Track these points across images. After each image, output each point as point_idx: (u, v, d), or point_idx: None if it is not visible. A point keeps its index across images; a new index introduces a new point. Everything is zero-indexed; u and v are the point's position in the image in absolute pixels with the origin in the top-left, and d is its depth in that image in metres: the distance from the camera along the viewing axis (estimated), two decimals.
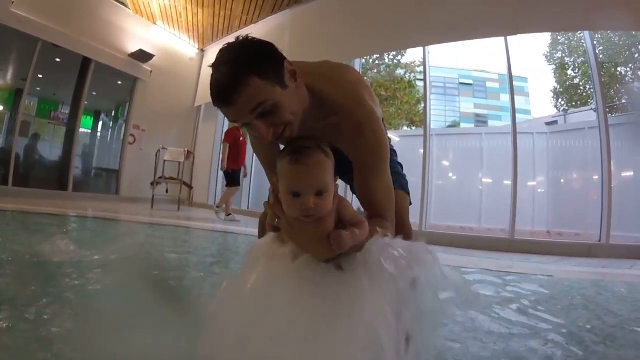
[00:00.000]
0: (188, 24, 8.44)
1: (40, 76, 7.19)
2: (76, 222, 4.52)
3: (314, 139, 0.90)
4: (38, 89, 7.64)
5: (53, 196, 6.67)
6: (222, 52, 0.90)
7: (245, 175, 6.57)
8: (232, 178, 6.25)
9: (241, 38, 0.91)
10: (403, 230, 1.11)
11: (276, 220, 0.89)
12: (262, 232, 1.00)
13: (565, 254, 4.00)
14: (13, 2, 6.04)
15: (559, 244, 4.20)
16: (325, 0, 6.72)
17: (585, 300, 2.23)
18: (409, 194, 1.32)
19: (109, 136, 9.36)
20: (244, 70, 0.85)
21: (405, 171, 1.42)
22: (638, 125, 5.92)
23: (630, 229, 4.91)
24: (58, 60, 7.44)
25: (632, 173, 5.88)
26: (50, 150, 7.86)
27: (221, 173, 6.81)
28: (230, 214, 6.17)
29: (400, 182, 1.28)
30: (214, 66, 0.89)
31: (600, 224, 4.57)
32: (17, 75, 7.06)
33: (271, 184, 1.03)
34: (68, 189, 7.25)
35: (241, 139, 6.20)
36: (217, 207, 6.23)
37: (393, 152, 1.35)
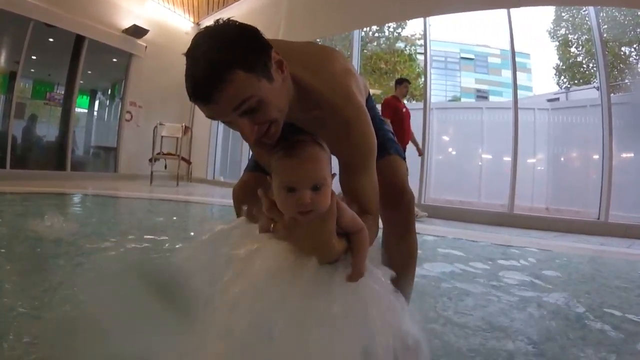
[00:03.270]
0: None
1: (33, 57, 7.08)
2: (75, 200, 4.53)
3: (308, 133, 0.83)
4: (32, 70, 7.52)
5: (52, 177, 6.66)
6: (198, 40, 0.79)
7: (420, 154, 5.24)
8: None
9: (221, 22, 0.80)
10: (405, 197, 1.07)
11: (272, 225, 0.81)
12: (239, 210, 0.92)
13: (563, 230, 4.03)
14: None
15: (558, 220, 4.22)
16: None
17: (583, 276, 2.25)
18: (404, 159, 1.23)
19: (106, 114, 9.25)
20: (226, 63, 0.74)
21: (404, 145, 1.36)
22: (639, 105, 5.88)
23: (629, 209, 4.92)
24: (51, 40, 7.29)
25: (632, 154, 5.86)
26: (47, 131, 7.80)
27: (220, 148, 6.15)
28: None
29: (395, 147, 1.21)
30: (188, 56, 0.79)
31: (599, 203, 4.58)
32: (10, 58, 6.93)
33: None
34: (66, 168, 7.24)
35: (404, 109, 4.99)
36: None
37: (383, 121, 1.26)
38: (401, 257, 0.96)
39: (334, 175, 0.81)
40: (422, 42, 6.25)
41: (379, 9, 5.96)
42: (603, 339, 1.28)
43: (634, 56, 13.28)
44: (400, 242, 1.06)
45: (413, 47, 17.68)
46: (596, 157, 5.08)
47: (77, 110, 7.79)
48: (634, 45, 13.13)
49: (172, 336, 0.83)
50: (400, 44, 17.99)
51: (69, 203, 4.31)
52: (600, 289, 1.91)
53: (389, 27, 17.05)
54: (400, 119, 4.78)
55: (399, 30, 17.53)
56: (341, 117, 0.91)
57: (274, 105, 0.82)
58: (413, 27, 16.58)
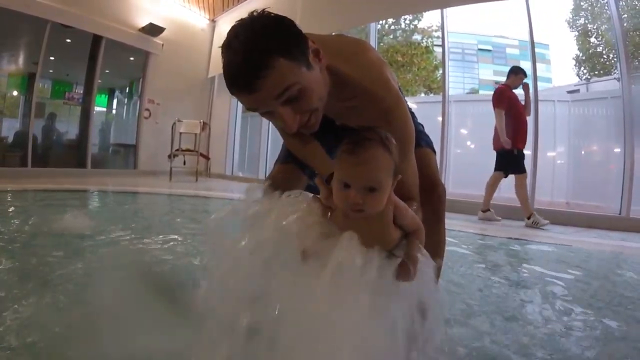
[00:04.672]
0: None
1: (52, 58, 7.20)
2: (96, 197, 4.63)
3: (378, 132, 0.79)
4: (51, 71, 7.67)
5: (72, 174, 6.80)
6: (236, 30, 0.77)
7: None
8: (517, 162, 4.36)
9: (256, 13, 0.78)
10: (437, 190, 1.08)
11: (328, 213, 0.82)
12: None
13: (584, 225, 3.94)
14: None
15: (578, 214, 4.12)
16: None
17: (603, 272, 2.21)
18: (434, 152, 1.23)
19: (124, 112, 9.41)
20: (266, 50, 0.73)
21: None
22: None
23: None
24: (68, 40, 7.42)
25: None
26: (67, 129, 7.97)
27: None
28: (533, 216, 4.11)
29: (425, 140, 1.22)
30: (226, 47, 0.77)
31: (620, 197, 4.46)
32: (28, 60, 7.07)
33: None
34: (87, 166, 7.39)
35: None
36: (483, 211, 4.48)
37: (413, 115, 1.24)
38: (432, 247, 0.97)
39: (398, 177, 0.80)
40: (438, 34, 6.17)
41: (395, 1, 5.89)
42: None
43: None
44: (431, 232, 1.06)
45: (430, 40, 17.45)
46: (617, 150, 4.94)
47: (96, 108, 7.92)
48: None
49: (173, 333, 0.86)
50: (416, 37, 17.79)
51: (90, 200, 4.41)
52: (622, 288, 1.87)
53: (405, 19, 16.88)
54: (518, 110, 4.38)
55: (415, 22, 17.33)
56: (382, 107, 0.90)
57: (316, 93, 0.83)
58: (429, 19, 16.39)
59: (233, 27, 0.78)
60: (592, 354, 1.11)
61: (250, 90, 0.75)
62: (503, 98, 4.37)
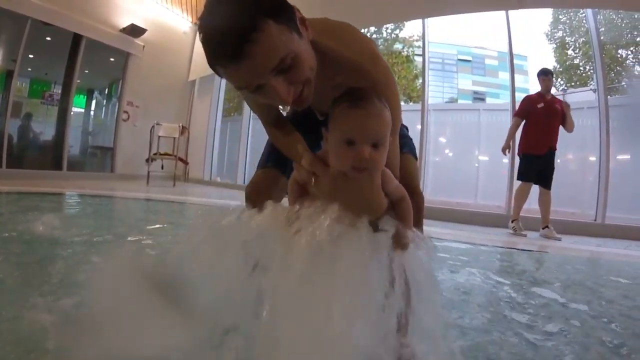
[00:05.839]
0: None
1: (31, 56, 7.02)
2: (71, 200, 4.50)
3: (370, 91, 0.76)
4: (29, 69, 7.48)
5: (48, 176, 6.62)
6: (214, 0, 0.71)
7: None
8: (520, 167, 4.39)
9: None
10: (415, 198, 1.01)
11: (312, 180, 0.77)
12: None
13: (560, 231, 4.03)
14: None
15: (555, 221, 4.21)
16: None
17: (582, 276, 2.25)
18: (416, 158, 1.18)
19: (103, 114, 9.23)
20: (256, 13, 0.67)
21: None
22: (635, 107, 5.90)
23: (625, 210, 4.96)
24: (48, 38, 7.27)
25: (629, 156, 5.89)
26: (44, 130, 7.76)
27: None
28: (515, 222, 4.22)
29: (409, 145, 1.15)
30: (207, 15, 0.71)
31: (596, 204, 4.60)
32: (6, 57, 6.89)
33: (292, 153, 0.93)
34: (63, 168, 7.19)
35: (539, 105, 4.27)
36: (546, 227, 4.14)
37: None
38: None
39: (391, 139, 0.77)
40: (419, 43, 6.25)
41: (377, 10, 5.93)
42: None
43: (631, 59, 13.37)
44: None
45: (410, 49, 17.74)
46: (593, 158, 5.10)
47: (74, 109, 7.73)
48: (631, 48, 13.23)
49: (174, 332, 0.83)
50: (398, 45, 18.06)
51: (65, 203, 4.28)
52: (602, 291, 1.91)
53: (386, 28, 17.10)
54: (535, 117, 4.26)
55: (397, 31, 17.61)
56: (371, 80, 0.84)
57: (307, 62, 0.78)
58: (411, 28, 16.68)
59: (205, 4, 0.72)
60: None
61: (240, 57, 0.68)
62: (521, 106, 4.45)
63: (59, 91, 7.61)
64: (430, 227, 3.83)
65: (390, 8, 5.93)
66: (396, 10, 6.05)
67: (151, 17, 8.31)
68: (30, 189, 4.61)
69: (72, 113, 7.54)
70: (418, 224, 1.07)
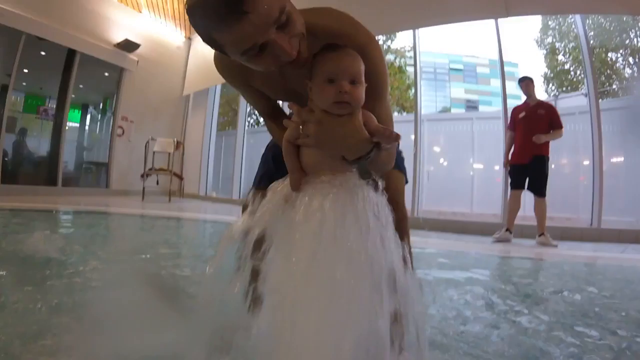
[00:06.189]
0: (174, 11, 8.27)
1: (25, 71, 7.04)
2: (66, 217, 4.47)
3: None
4: (24, 83, 7.50)
5: (43, 192, 6.60)
6: None
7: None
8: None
9: None
10: (397, 214, 1.00)
11: (300, 128, 0.82)
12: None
13: (557, 237, 4.03)
14: None
15: (551, 228, 4.22)
16: None
17: (578, 282, 2.25)
18: (405, 173, 1.19)
19: (98, 129, 9.21)
20: None
21: None
22: (630, 109, 5.96)
23: (621, 213, 4.98)
24: (43, 53, 7.28)
25: (622, 158, 5.94)
26: (38, 145, 7.75)
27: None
28: (502, 230, 4.24)
29: (399, 162, 1.14)
30: None
31: (591, 209, 4.62)
32: (1, 71, 6.86)
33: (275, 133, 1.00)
34: (57, 184, 7.15)
35: (520, 115, 4.36)
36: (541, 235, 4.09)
37: None
38: None
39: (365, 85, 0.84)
40: (411, 54, 6.30)
41: (367, 21, 5.95)
42: None
43: (621, 61, 13.58)
44: None
45: (402, 59, 17.91)
46: (587, 162, 5.13)
47: (69, 124, 7.72)
48: (620, 51, 13.44)
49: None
50: (390, 56, 18.23)
51: (60, 220, 4.25)
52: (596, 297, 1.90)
53: (378, 39, 17.26)
54: (517, 127, 4.36)
55: (389, 42, 17.79)
56: (354, 44, 0.85)
57: (299, 17, 0.80)
58: (402, 39, 16.85)
59: None
60: None
61: (240, 13, 0.69)
62: (510, 118, 4.52)
63: (54, 106, 7.61)
64: (426, 238, 3.85)
65: (381, 20, 5.95)
66: (386, 22, 6.08)
67: (145, 32, 8.35)
68: (26, 206, 4.58)
69: (67, 128, 7.52)
70: (403, 238, 1.06)
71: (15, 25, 6.23)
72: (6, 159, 6.80)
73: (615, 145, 5.68)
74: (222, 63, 1.01)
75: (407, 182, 1.19)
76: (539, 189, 4.17)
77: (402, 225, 1.03)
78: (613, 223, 4.65)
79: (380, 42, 17.17)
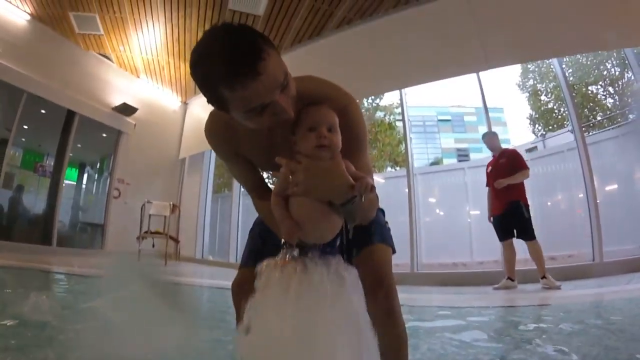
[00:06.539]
0: (171, 77, 8.59)
1: (25, 127, 7.17)
2: (61, 278, 4.37)
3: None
4: (23, 139, 7.61)
5: (36, 251, 6.45)
6: (214, 34, 0.81)
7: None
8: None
9: (220, 23, 0.83)
10: (382, 288, 1.02)
11: (289, 178, 0.90)
12: (239, 307, 0.96)
13: (560, 278, 3.96)
14: None
15: (554, 269, 4.16)
16: (303, 52, 6.89)
17: (585, 325, 2.19)
18: (391, 245, 1.19)
19: (94, 188, 9.23)
20: (261, 41, 0.79)
21: (392, 211, 1.32)
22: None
23: (621, 241, 4.91)
24: (43, 111, 7.42)
25: (616, 185, 5.98)
26: (34, 202, 7.71)
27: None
28: (546, 278, 3.98)
29: (381, 234, 1.16)
30: (213, 44, 0.80)
31: (591, 243, 4.59)
32: (2, 125, 6.96)
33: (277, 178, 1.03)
34: (52, 243, 7.02)
35: (488, 169, 4.63)
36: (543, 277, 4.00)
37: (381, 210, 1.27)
38: (390, 342, 0.95)
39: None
40: (400, 109, 6.49)
41: (357, 85, 6.06)
42: None
43: (602, 92, 14.05)
44: (385, 330, 0.97)
45: (392, 116, 18.45)
46: (581, 195, 5.13)
47: (66, 182, 7.71)
48: (600, 82, 13.94)
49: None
50: (379, 114, 18.77)
51: (54, 281, 4.15)
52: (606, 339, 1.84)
53: (367, 98, 17.93)
54: (489, 183, 4.56)
55: (377, 100, 18.40)
56: (336, 105, 0.98)
57: (292, 80, 0.89)
58: (390, 96, 17.46)
59: (208, 34, 0.82)
60: None
61: (255, 74, 0.77)
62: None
63: (52, 163, 7.65)
64: (427, 295, 3.77)
65: (369, 83, 6.26)
66: (374, 85, 6.40)
67: (143, 96, 8.62)
68: (19, 264, 4.49)
69: (63, 186, 7.50)
70: (388, 313, 1.02)
71: (17, 84, 6.41)
72: (3, 213, 6.76)
73: (607, 174, 5.75)
74: (213, 132, 1.09)
75: (394, 252, 1.19)
76: (524, 233, 4.19)
77: (388, 299, 1.03)
78: (615, 254, 4.59)
79: (369, 100, 17.83)
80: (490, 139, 4.67)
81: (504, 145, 4.79)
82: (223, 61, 0.78)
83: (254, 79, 0.78)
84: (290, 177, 0.90)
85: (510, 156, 4.43)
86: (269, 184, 1.19)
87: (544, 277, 3.99)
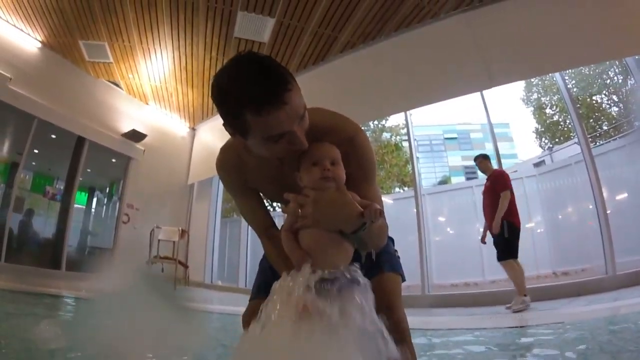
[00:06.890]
0: (179, 103, 8.73)
1: (36, 151, 7.26)
2: (71, 304, 4.36)
3: None
4: (33, 163, 7.70)
5: (45, 275, 6.48)
6: (239, 63, 0.85)
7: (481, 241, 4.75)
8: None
9: (245, 52, 0.87)
10: (392, 317, 0.99)
11: (299, 211, 0.91)
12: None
13: (574, 294, 3.87)
14: (11, 79, 6.25)
15: (566, 285, 4.08)
16: (307, 77, 6.93)
17: (600, 343, 2.14)
18: (401, 274, 1.20)
19: (103, 213, 9.29)
20: (287, 73, 0.84)
21: (401, 232, 1.32)
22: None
23: (634, 251, 4.80)
24: (54, 136, 7.52)
25: (626, 194, 5.88)
26: (44, 226, 7.76)
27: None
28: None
29: (390, 262, 1.19)
30: (241, 66, 0.85)
31: (604, 256, 4.49)
32: (13, 149, 7.09)
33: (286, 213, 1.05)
34: (61, 267, 7.04)
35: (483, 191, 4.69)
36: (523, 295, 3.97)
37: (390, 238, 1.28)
38: None
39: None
40: (405, 130, 6.50)
41: (363, 109, 6.16)
42: None
43: (606, 102, 13.98)
44: None
45: (398, 137, 18.47)
46: (591, 207, 5.05)
47: (75, 206, 7.75)
48: (604, 92, 13.89)
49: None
50: (385, 135, 18.80)
51: (63, 307, 4.15)
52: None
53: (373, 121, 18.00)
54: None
55: (383, 122, 18.48)
56: (344, 136, 1.02)
57: (306, 113, 0.93)
58: (396, 117, 17.55)
59: (236, 61, 0.86)
60: None
61: (282, 103, 0.82)
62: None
63: (61, 187, 7.73)
64: (439, 317, 3.71)
65: (375, 107, 6.30)
66: (380, 108, 6.43)
67: (151, 123, 8.75)
68: (29, 289, 4.51)
69: (73, 210, 7.53)
70: (402, 342, 0.99)
71: (28, 110, 6.54)
72: (13, 236, 6.74)
73: (616, 184, 5.66)
74: (224, 162, 1.13)
75: (404, 280, 1.22)
76: (498, 254, 4.19)
77: (399, 329, 1.03)
78: (627, 265, 4.48)
79: (375, 122, 17.92)
80: (480, 162, 4.73)
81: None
82: (254, 86, 0.82)
83: (280, 107, 0.82)
84: (299, 210, 0.92)
85: (494, 179, 4.47)
86: (277, 226, 1.18)
87: (522, 296, 3.88)
